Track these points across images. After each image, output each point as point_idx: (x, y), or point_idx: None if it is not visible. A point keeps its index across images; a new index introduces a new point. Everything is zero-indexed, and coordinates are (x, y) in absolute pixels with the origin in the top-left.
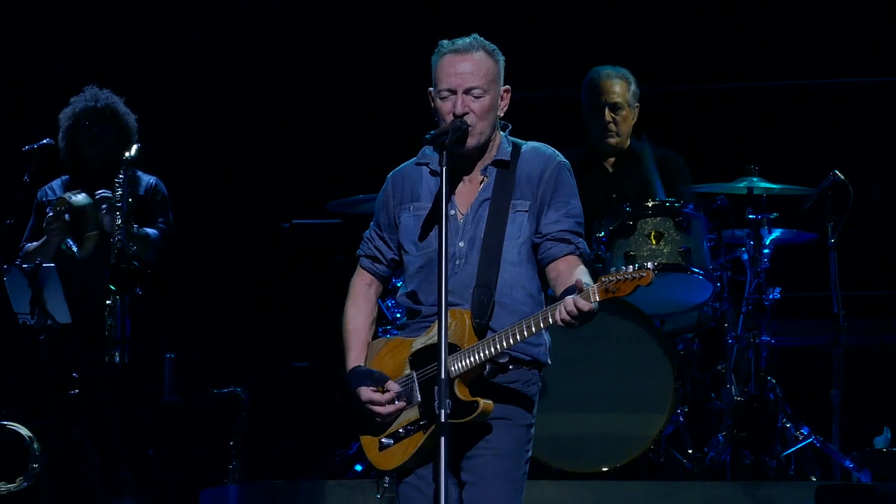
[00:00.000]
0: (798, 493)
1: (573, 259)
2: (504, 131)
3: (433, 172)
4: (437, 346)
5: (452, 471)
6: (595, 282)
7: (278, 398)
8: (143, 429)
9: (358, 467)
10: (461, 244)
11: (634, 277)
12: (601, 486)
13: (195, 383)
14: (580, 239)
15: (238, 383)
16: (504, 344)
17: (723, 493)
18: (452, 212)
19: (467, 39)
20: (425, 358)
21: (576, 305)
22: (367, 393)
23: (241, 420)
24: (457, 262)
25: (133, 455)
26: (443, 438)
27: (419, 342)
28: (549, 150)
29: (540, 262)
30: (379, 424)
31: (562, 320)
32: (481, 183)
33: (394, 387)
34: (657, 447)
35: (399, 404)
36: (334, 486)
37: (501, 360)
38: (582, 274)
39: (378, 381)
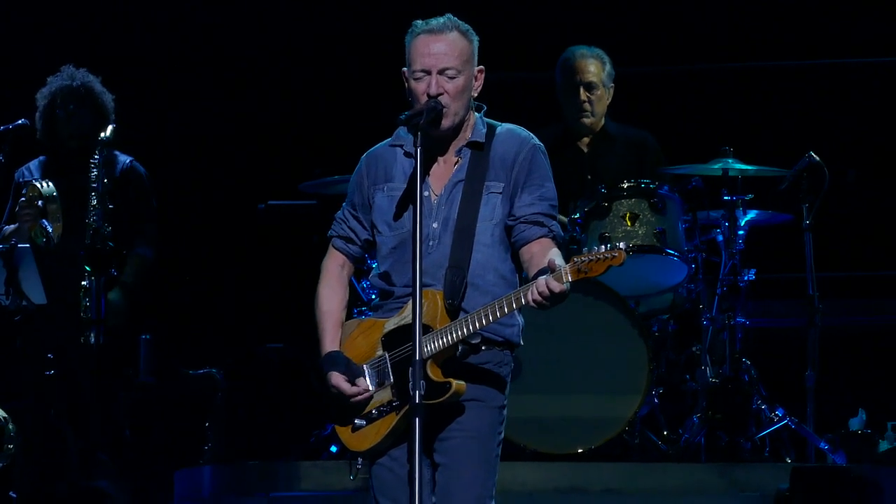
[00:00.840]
0: (773, 474)
1: (546, 241)
2: (479, 112)
3: (407, 154)
4: (409, 326)
5: (425, 453)
6: (567, 262)
7: (253, 379)
8: (119, 409)
9: (333, 448)
10: (434, 225)
11: (606, 258)
12: (576, 468)
13: (170, 364)
14: (554, 222)
15: (213, 364)
16: (477, 324)
17: (697, 475)
18: (426, 193)
19: (441, 19)
20: (398, 339)
21: (548, 286)
22: (335, 378)
23: (216, 401)
24: (430, 243)
25: (109, 436)
26: (417, 420)
27: (392, 323)
28: (524, 132)
29: (513, 245)
30: (350, 406)
31: (534, 301)
32: (455, 164)
33: (363, 384)
34: (632, 429)
35: (366, 395)
36: (309, 468)
37: (474, 341)
38: (555, 256)
39: (352, 374)
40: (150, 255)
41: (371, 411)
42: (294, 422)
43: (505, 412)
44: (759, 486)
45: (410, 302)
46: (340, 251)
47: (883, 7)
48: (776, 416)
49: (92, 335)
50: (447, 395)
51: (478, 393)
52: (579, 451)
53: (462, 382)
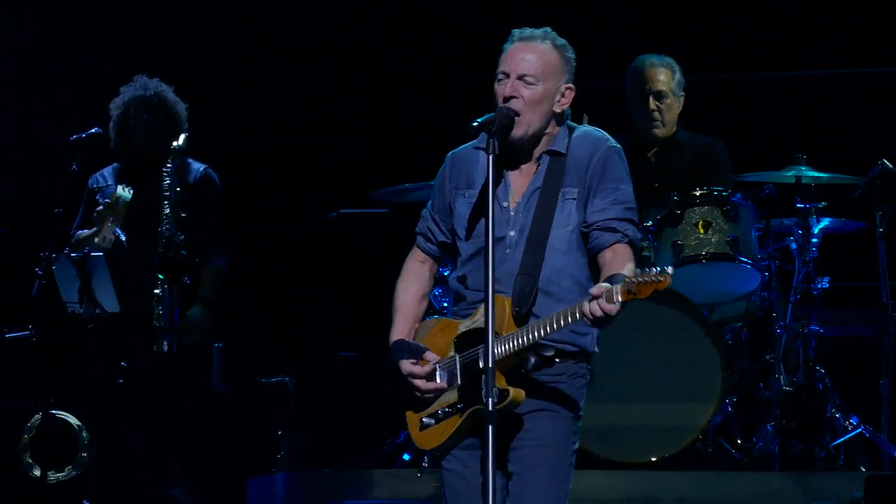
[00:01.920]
0: (847, 483)
1: (620, 247)
2: (564, 123)
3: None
4: (478, 330)
5: (499, 462)
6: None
7: (326, 387)
8: (192, 417)
9: (406, 456)
10: (512, 233)
11: (652, 281)
12: (649, 476)
13: (243, 372)
14: (628, 225)
15: (286, 372)
16: (538, 334)
17: (771, 484)
18: (505, 202)
19: (538, 31)
20: (468, 341)
21: (600, 306)
22: (406, 365)
23: (288, 409)
24: (507, 251)
25: (181, 444)
26: (490, 427)
27: (464, 325)
28: (599, 134)
29: (589, 252)
30: (421, 400)
31: (587, 319)
32: (534, 172)
33: (431, 357)
34: (705, 437)
35: (441, 383)
36: (382, 476)
37: (546, 354)
38: (622, 266)
39: (416, 353)
40: (224, 265)
41: (438, 410)
42: (366, 430)
43: (579, 423)
44: (834, 495)
45: (481, 307)
46: (420, 248)
47: None
48: (850, 424)
49: (165, 343)
50: (504, 403)
51: (551, 402)
52: (652, 459)
53: (521, 391)
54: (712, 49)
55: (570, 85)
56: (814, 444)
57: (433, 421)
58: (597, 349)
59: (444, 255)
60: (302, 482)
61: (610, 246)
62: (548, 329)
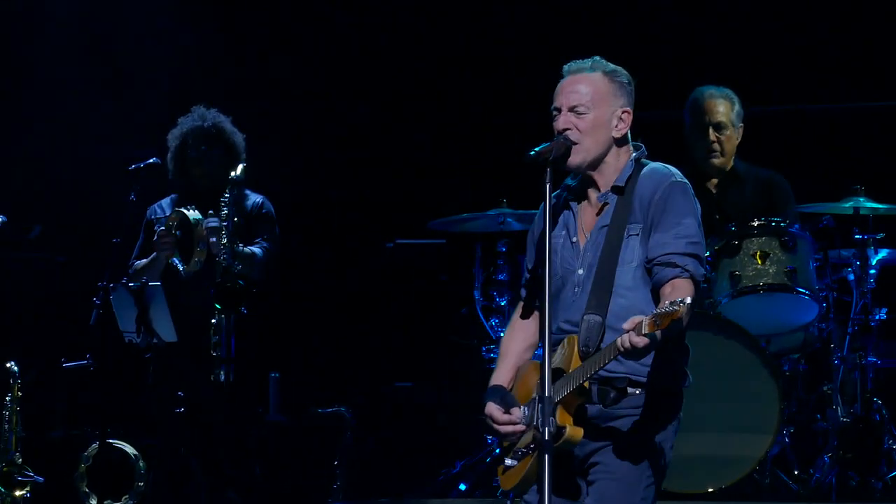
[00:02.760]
0: None
1: (679, 282)
2: (636, 152)
3: (567, 200)
4: (556, 371)
5: (577, 496)
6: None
7: (382, 418)
8: (249, 447)
9: (462, 486)
10: (580, 272)
11: (667, 312)
12: None
13: (300, 402)
14: (689, 259)
15: (342, 403)
16: (592, 370)
17: None
18: (575, 238)
19: (586, 61)
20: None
21: (630, 341)
22: (489, 406)
23: (345, 439)
24: (575, 290)
25: (238, 473)
26: (546, 457)
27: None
28: (665, 170)
29: (653, 287)
30: (505, 439)
31: (620, 352)
32: (601, 209)
33: (517, 413)
34: (762, 468)
35: (519, 427)
36: None
37: (619, 385)
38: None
39: (506, 403)
40: (262, 255)
41: (518, 450)
42: (422, 460)
43: (661, 455)
44: None
45: (558, 348)
46: (522, 298)
47: None
48: None
49: (222, 373)
50: (559, 441)
51: (627, 436)
52: (709, 490)
53: (579, 430)
54: (771, 81)
55: (628, 109)
56: (871, 475)
57: (515, 461)
58: (676, 382)
59: None
60: None
61: (668, 281)
62: (600, 364)
